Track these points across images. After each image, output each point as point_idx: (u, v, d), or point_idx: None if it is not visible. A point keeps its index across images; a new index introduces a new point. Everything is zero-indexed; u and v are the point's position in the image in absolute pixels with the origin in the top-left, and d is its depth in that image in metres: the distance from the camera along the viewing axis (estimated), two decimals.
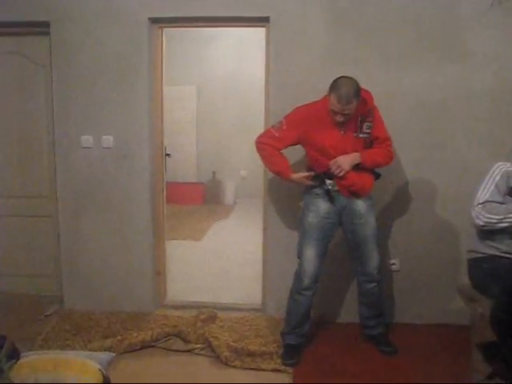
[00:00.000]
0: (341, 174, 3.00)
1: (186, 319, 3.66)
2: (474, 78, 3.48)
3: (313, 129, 3.04)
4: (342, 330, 3.63)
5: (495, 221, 2.74)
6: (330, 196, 3.09)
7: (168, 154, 4.25)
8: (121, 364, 3.10)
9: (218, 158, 8.17)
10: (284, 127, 3.10)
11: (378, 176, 3.17)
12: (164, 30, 3.70)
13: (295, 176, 3.11)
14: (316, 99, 3.18)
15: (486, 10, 3.41)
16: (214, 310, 3.79)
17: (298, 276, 3.19)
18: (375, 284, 3.29)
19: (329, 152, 3.03)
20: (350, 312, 3.71)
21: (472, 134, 3.54)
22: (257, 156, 7.88)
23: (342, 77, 2.94)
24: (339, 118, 2.94)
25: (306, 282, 3.15)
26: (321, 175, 3.08)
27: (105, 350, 3.17)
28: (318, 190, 3.11)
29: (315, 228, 3.12)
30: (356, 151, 3.04)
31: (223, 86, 7.92)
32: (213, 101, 7.96)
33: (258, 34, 7.28)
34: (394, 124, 3.43)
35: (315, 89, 3.37)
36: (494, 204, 2.76)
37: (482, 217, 2.76)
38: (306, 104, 3.14)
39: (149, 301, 3.85)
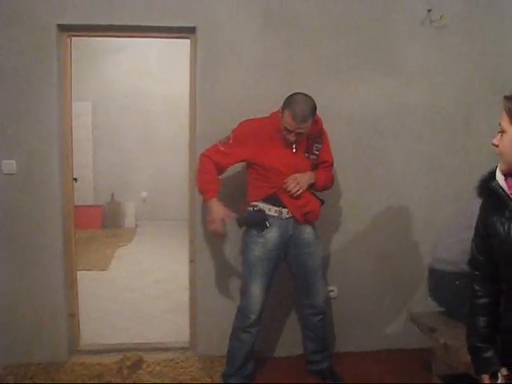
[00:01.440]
0: (298, 193, 2.77)
1: (109, 367, 3.22)
2: (407, 93, 3.42)
3: (262, 146, 2.79)
4: (283, 364, 3.36)
5: None
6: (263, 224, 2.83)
7: (75, 179, 3.78)
8: None
9: (116, 178, 7.65)
10: (231, 141, 2.81)
11: (322, 202, 2.97)
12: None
13: (215, 205, 2.74)
14: (249, 115, 2.96)
15: (418, 27, 3.36)
16: (139, 353, 3.37)
17: (243, 313, 2.90)
18: (322, 316, 3.09)
19: (279, 171, 2.78)
20: (287, 345, 3.47)
21: (406, 151, 3.46)
22: (158, 176, 7.65)
23: (297, 93, 2.72)
24: (292, 138, 2.72)
25: (253, 318, 2.87)
26: (251, 215, 2.84)
27: None
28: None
29: (262, 261, 2.85)
30: (304, 172, 2.83)
31: (123, 102, 7.43)
32: (111, 118, 7.45)
33: (164, 45, 7.05)
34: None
35: (248, 104, 3.19)
36: None
37: None
38: (255, 119, 2.89)
39: (62, 347, 3.33)
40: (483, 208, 1.79)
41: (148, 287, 4.92)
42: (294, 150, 2.81)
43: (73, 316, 3.44)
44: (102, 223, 7.51)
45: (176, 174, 7.60)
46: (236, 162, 2.89)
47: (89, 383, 2.96)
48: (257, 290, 2.85)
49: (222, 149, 2.81)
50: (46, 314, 3.29)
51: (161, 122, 7.50)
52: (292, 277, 3.05)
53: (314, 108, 2.70)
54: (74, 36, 3.23)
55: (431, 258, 2.83)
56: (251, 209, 2.85)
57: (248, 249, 2.89)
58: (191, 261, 3.49)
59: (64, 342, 3.35)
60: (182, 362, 3.35)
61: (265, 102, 3.06)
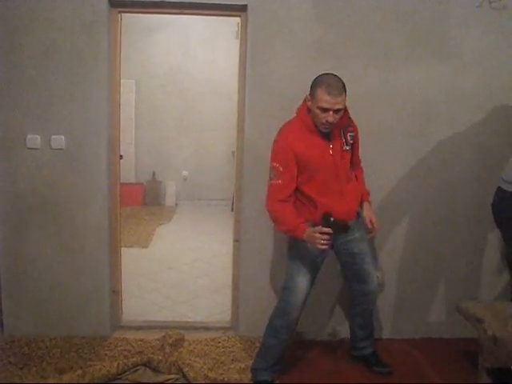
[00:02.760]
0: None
1: (151, 343, 3.25)
2: (462, 78, 3.29)
3: (302, 152, 2.62)
4: (325, 349, 3.33)
5: None
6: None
7: (121, 156, 3.79)
8: None
9: (158, 157, 7.66)
10: (281, 169, 2.61)
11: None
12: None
13: (310, 235, 2.55)
14: (298, 96, 2.82)
15: (475, 9, 3.22)
16: (181, 332, 3.39)
17: (285, 309, 2.79)
18: (373, 304, 3.05)
19: (319, 173, 2.65)
20: (328, 329, 3.46)
21: (458, 138, 3.34)
22: (199, 156, 7.65)
23: (322, 73, 2.61)
24: (330, 118, 2.52)
25: (295, 315, 2.78)
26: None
27: None
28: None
29: (311, 254, 2.73)
30: (345, 167, 2.73)
31: (165, 81, 7.41)
32: (153, 97, 7.43)
33: (204, 24, 7.01)
34: (378, 126, 3.25)
35: (297, 85, 3.10)
36: None
37: None
38: (283, 130, 2.71)
39: (105, 322, 3.38)
40: None
41: (189, 266, 4.94)
42: (331, 147, 2.66)
43: (116, 292, 3.47)
44: (143, 201, 7.57)
45: (217, 154, 7.61)
46: (296, 180, 2.68)
47: (132, 359, 2.97)
48: (303, 284, 2.75)
49: (280, 182, 2.63)
50: (90, 289, 3.33)
51: (202, 101, 7.46)
52: (341, 265, 2.97)
53: (344, 83, 2.55)
54: (124, 12, 3.21)
55: (501, 178, 2.98)
56: None
57: (296, 242, 2.73)
58: (236, 240, 3.46)
59: (107, 318, 3.39)
60: (224, 341, 3.35)
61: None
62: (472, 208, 3.40)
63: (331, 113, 2.52)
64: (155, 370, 2.93)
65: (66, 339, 3.26)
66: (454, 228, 3.44)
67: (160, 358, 2.98)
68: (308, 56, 3.17)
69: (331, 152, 2.66)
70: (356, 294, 3.00)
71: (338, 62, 3.15)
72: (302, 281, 2.75)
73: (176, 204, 7.69)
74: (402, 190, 3.36)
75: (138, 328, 3.49)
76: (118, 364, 2.88)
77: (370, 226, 2.82)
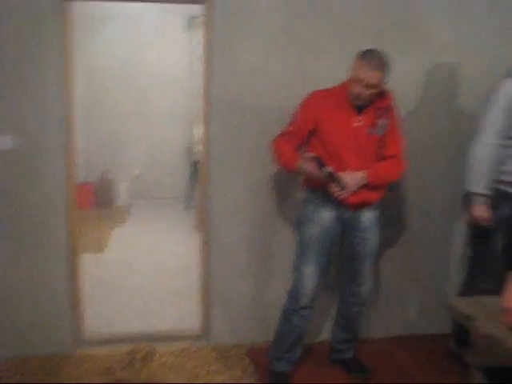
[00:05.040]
0: (341, 197, 2.54)
1: (119, 358, 3.01)
2: (434, 69, 3.21)
3: (326, 113, 2.58)
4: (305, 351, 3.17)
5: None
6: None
7: None
8: None
9: (108, 155, 7.31)
10: (298, 117, 2.65)
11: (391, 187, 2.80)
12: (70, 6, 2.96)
13: (303, 165, 2.56)
14: (266, 86, 2.92)
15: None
16: (150, 343, 3.16)
17: (294, 296, 2.75)
18: (361, 307, 2.92)
19: (335, 146, 2.57)
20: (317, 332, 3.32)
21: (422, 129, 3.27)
22: (151, 153, 7.34)
23: (370, 48, 2.52)
24: (358, 89, 2.46)
25: (305, 301, 2.72)
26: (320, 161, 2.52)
27: None
28: (320, 197, 2.64)
29: (317, 240, 2.67)
30: (369, 150, 2.60)
31: (116, 74, 7.06)
32: (103, 92, 7.08)
33: (153, 17, 6.71)
34: None
35: (265, 75, 3.02)
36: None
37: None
38: (325, 88, 2.68)
39: (66, 338, 3.11)
40: None
41: (149, 270, 4.67)
42: (357, 123, 2.56)
43: (76, 304, 3.20)
44: (93, 202, 7.20)
45: (170, 149, 7.36)
46: (306, 135, 2.66)
47: (99, 382, 2.73)
48: (310, 271, 2.69)
49: (291, 128, 2.67)
50: (47, 303, 3.06)
51: (156, 97, 7.18)
52: (341, 258, 2.87)
53: (387, 62, 2.48)
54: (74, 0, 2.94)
55: None
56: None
57: (302, 226, 2.72)
58: (205, 243, 3.23)
59: (68, 333, 3.12)
60: (195, 352, 3.15)
61: (282, 73, 2.96)
62: None
63: (360, 84, 2.48)
64: None
65: (24, 360, 2.99)
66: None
67: (130, 376, 2.75)
68: (278, 45, 3.02)
69: (355, 125, 2.57)
70: (346, 294, 2.90)
71: (309, 49, 3.01)
72: (305, 265, 2.70)
73: (129, 204, 7.35)
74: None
75: (104, 342, 3.24)
76: None
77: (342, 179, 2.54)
